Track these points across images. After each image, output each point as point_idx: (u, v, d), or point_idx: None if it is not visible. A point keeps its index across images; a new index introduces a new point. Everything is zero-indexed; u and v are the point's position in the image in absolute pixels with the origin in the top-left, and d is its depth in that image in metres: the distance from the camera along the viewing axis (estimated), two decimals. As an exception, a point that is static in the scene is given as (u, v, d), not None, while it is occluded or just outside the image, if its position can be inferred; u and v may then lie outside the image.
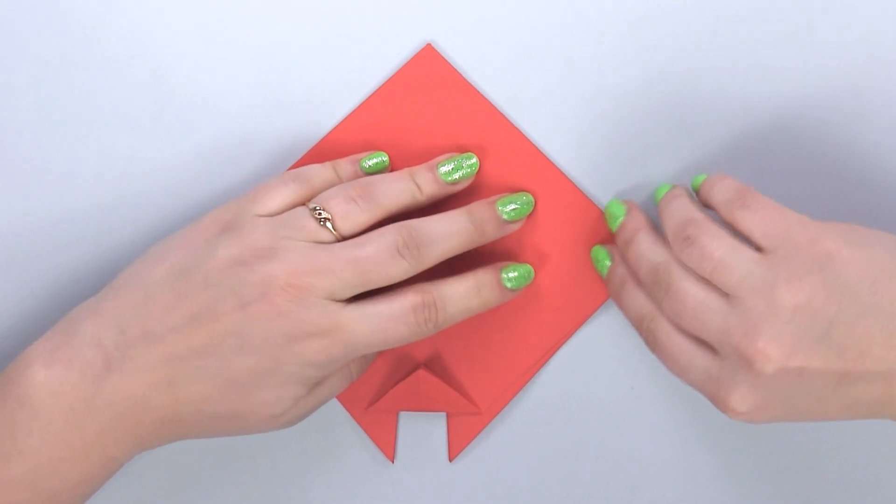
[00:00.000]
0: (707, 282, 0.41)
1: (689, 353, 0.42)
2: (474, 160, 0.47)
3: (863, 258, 0.39)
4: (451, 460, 0.49)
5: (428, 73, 0.48)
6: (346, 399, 0.49)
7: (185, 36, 0.48)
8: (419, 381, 0.48)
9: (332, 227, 0.42)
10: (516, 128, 0.48)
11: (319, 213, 0.42)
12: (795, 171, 0.47)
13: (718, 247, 0.40)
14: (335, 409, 0.49)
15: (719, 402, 0.41)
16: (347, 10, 0.48)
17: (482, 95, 0.48)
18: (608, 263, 0.46)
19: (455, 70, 0.48)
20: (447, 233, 0.43)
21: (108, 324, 0.42)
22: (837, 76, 0.47)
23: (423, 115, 0.48)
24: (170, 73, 0.48)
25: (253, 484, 0.49)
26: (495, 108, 0.48)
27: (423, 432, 0.49)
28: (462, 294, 0.44)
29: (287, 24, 0.48)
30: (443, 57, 0.48)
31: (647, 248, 0.43)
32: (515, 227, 0.46)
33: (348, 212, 0.43)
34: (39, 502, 0.41)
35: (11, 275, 0.49)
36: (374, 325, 0.42)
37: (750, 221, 0.41)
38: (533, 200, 0.47)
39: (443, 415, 0.49)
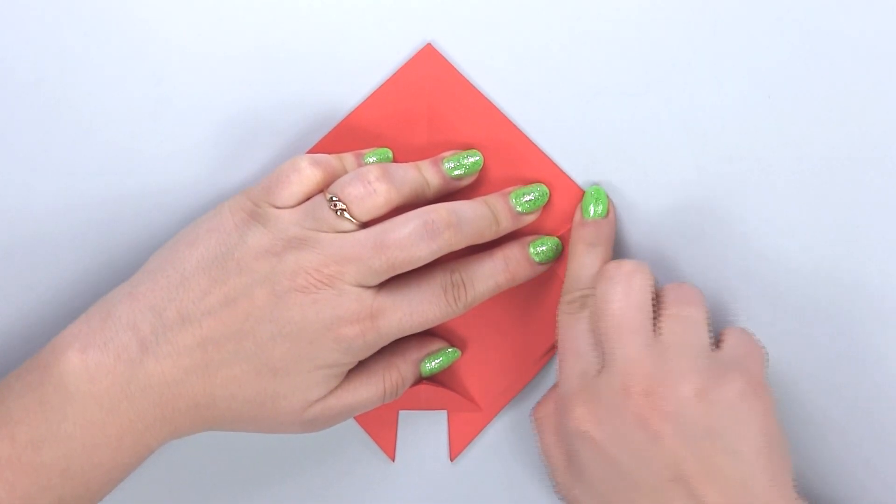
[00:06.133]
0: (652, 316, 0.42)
1: (586, 345, 0.43)
2: (478, 157, 0.47)
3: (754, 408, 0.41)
4: (452, 460, 0.49)
5: (428, 72, 0.48)
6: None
7: (184, 36, 0.48)
8: (420, 392, 0.48)
9: (350, 216, 0.43)
10: (516, 127, 0.48)
11: (335, 204, 0.43)
12: (795, 167, 0.47)
13: (697, 310, 0.43)
14: (336, 408, 0.49)
15: (568, 404, 0.42)
16: (347, 10, 0.48)
17: (482, 95, 0.48)
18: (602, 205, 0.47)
19: (455, 70, 0.48)
20: (472, 216, 0.44)
21: (143, 307, 0.42)
22: (839, 75, 0.47)
23: (423, 114, 0.48)
24: (170, 73, 0.48)
25: (253, 483, 0.50)
26: (495, 107, 0.48)
27: (423, 431, 0.49)
28: (490, 271, 0.45)
29: (287, 23, 0.48)
30: (443, 56, 0.48)
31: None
32: (531, 218, 0.47)
33: (364, 196, 0.43)
34: (71, 487, 0.41)
35: (12, 273, 0.49)
36: (406, 308, 0.43)
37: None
38: (548, 192, 0.47)
39: (444, 414, 0.49)
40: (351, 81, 0.48)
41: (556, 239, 0.47)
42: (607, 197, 0.47)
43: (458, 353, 0.48)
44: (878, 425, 0.48)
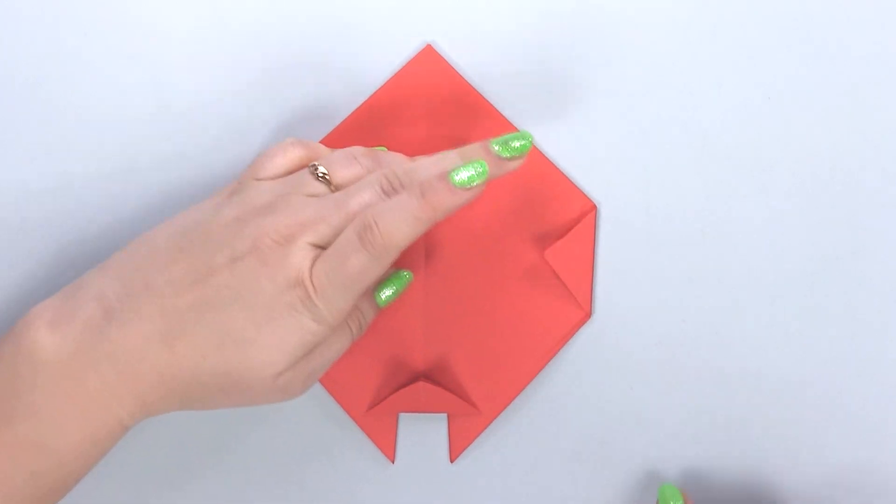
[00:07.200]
0: None
1: None
2: (483, 168, 0.42)
3: None
4: (452, 461, 0.49)
5: (428, 73, 0.48)
6: (346, 401, 0.49)
7: (185, 36, 0.48)
8: (419, 390, 0.48)
9: (330, 182, 0.42)
10: (515, 128, 0.48)
11: (316, 168, 0.43)
12: (795, 168, 0.47)
13: None
14: (335, 409, 0.49)
15: None
16: (348, 11, 0.48)
17: (481, 96, 0.48)
18: None
19: (455, 70, 0.48)
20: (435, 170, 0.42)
21: (111, 279, 0.42)
22: (838, 76, 0.47)
23: (423, 115, 0.48)
24: (170, 73, 0.48)
25: (253, 484, 0.49)
26: (495, 108, 0.48)
27: (423, 433, 0.49)
28: (404, 205, 0.41)
29: (287, 24, 0.48)
30: (443, 57, 0.48)
31: None
32: (514, 165, 0.43)
33: (347, 166, 0.43)
34: (44, 462, 0.40)
35: (12, 275, 0.49)
36: (332, 261, 0.41)
37: None
38: (531, 137, 0.42)
39: (444, 415, 0.49)
40: (352, 82, 0.48)
41: (481, 161, 0.41)
42: (681, 496, 0.46)
43: (410, 275, 0.46)
44: (877, 429, 0.48)
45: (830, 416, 0.48)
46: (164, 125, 0.48)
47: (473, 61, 0.48)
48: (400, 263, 0.48)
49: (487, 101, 0.48)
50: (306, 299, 0.41)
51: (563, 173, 0.48)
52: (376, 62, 0.48)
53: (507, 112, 0.48)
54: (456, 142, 0.48)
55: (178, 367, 0.41)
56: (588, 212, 0.48)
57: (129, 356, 0.41)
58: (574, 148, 0.48)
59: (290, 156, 0.44)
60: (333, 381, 0.49)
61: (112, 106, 0.48)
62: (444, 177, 0.41)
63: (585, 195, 0.48)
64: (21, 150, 0.48)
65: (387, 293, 0.45)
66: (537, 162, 0.48)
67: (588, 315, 0.48)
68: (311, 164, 0.43)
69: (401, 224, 0.41)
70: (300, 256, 0.41)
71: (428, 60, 0.48)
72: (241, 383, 0.41)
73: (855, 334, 0.48)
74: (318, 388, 0.49)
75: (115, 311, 0.41)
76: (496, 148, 0.42)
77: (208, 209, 0.43)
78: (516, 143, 0.42)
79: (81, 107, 0.48)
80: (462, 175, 0.41)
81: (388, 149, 0.47)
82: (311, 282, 0.41)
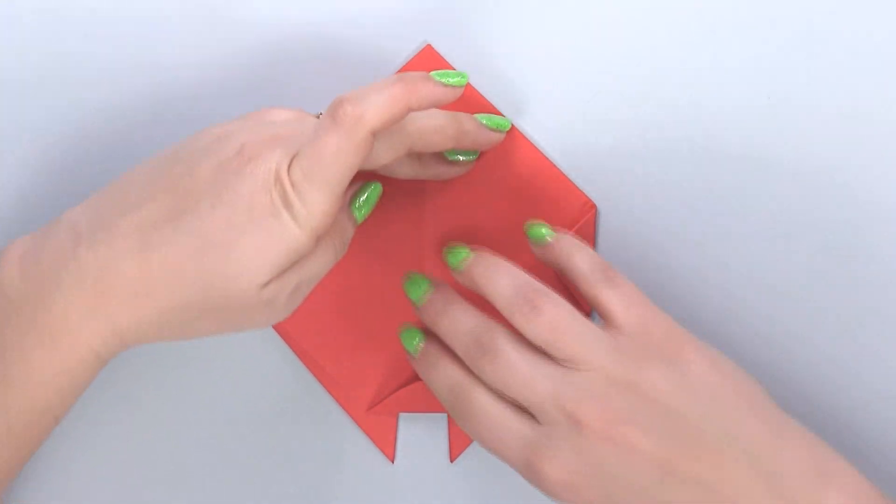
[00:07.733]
0: (535, 348, 0.41)
1: (507, 419, 0.41)
2: (463, 76, 0.44)
3: (710, 370, 0.40)
4: (452, 461, 0.49)
5: (427, 73, 0.48)
6: (346, 401, 0.49)
7: (185, 36, 0.48)
8: (419, 390, 0.48)
9: None
10: (515, 127, 0.48)
11: (319, 115, 0.42)
12: (795, 168, 0.47)
13: (564, 316, 0.40)
14: (335, 409, 0.49)
15: (534, 469, 0.40)
16: (348, 11, 0.48)
17: (481, 95, 0.48)
18: (419, 343, 0.45)
19: (454, 70, 0.48)
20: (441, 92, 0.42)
21: (86, 209, 0.41)
22: (838, 78, 0.47)
23: (422, 115, 0.48)
24: (170, 73, 0.48)
25: (253, 484, 0.49)
26: (494, 107, 0.48)
27: (423, 432, 0.49)
28: (378, 83, 0.40)
29: (287, 24, 0.48)
30: (442, 57, 0.48)
31: (465, 314, 0.42)
32: (495, 136, 0.47)
33: None
34: (14, 399, 0.39)
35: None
36: (307, 152, 0.39)
37: (614, 298, 0.41)
38: (509, 125, 0.48)
39: (444, 415, 0.49)
40: (351, 81, 0.48)
41: (462, 73, 0.44)
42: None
43: (379, 186, 0.45)
44: (874, 427, 0.48)
45: (831, 416, 0.48)
46: (163, 125, 0.48)
47: (473, 61, 0.48)
48: (400, 264, 0.48)
49: (488, 101, 0.48)
50: (284, 197, 0.39)
51: (563, 173, 0.48)
52: (376, 62, 0.48)
53: (507, 112, 0.48)
54: (456, 141, 0.48)
55: (153, 281, 0.39)
56: (588, 212, 0.48)
57: (98, 273, 0.39)
58: (574, 148, 0.48)
59: (296, 111, 0.43)
60: (333, 381, 0.49)
61: (112, 106, 0.48)
62: (427, 75, 0.42)
63: (585, 195, 0.48)
64: (20, 150, 0.48)
65: (361, 207, 0.44)
66: (537, 162, 0.48)
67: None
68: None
69: (375, 99, 0.39)
70: (280, 153, 0.39)
71: (428, 60, 0.48)
72: (222, 296, 0.39)
73: (855, 334, 0.48)
74: (318, 388, 0.49)
75: (84, 236, 0.39)
76: (480, 119, 0.46)
77: (191, 140, 0.41)
78: (498, 119, 0.47)
79: (81, 107, 0.48)
80: (440, 74, 0.42)
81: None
82: (289, 178, 0.39)
